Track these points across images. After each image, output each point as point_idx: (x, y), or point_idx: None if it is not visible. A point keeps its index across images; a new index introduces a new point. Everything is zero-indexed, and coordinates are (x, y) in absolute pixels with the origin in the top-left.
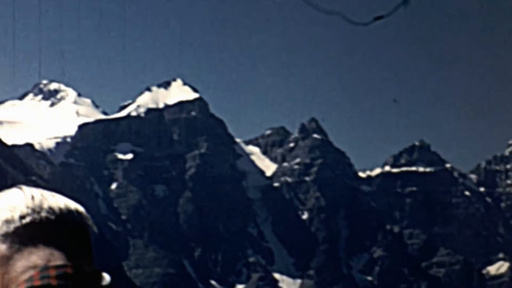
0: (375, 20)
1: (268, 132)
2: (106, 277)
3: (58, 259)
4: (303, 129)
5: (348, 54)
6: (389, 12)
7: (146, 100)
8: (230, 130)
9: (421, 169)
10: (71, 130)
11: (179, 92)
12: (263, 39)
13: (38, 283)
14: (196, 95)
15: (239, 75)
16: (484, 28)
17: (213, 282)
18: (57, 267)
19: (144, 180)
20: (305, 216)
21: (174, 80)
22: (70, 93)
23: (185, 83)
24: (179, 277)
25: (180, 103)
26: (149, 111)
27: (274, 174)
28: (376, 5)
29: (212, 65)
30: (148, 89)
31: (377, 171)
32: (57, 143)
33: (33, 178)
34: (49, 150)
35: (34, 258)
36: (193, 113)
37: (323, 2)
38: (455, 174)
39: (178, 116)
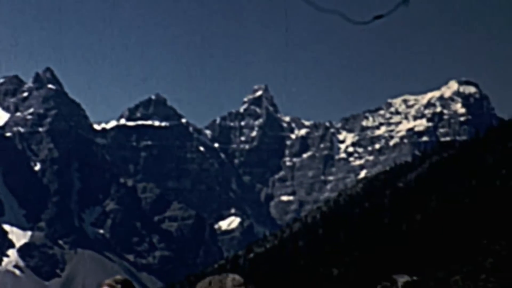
0: (374, 19)
1: (1, 80)
2: None
3: None
4: (37, 78)
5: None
6: (389, 11)
7: None
8: None
9: (156, 123)
10: None
11: None
12: None
13: None
14: None
15: None
16: None
17: None
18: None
19: None
20: (37, 167)
21: None
22: None
23: None
24: None
25: None
26: None
27: (6, 123)
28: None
29: None
30: None
31: (113, 123)
32: None
33: None
34: None
35: None
36: None
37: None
38: (190, 129)
39: None
